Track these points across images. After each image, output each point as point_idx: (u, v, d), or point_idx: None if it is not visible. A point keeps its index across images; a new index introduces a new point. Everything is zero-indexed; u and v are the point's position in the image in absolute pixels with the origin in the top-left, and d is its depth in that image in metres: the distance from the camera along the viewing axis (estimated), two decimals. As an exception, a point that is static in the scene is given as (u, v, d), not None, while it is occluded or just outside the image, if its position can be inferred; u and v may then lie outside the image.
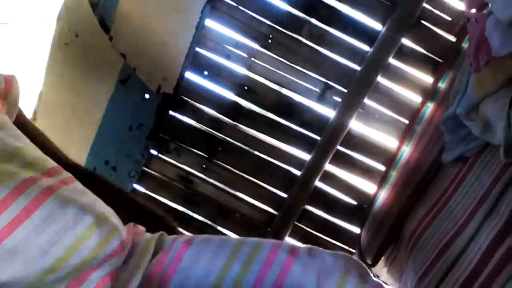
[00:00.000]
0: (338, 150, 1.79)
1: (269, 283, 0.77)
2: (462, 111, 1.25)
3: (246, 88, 1.78)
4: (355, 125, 1.79)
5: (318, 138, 1.79)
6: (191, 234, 0.97)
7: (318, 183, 1.83)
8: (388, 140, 1.80)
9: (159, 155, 1.85)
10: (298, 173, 1.83)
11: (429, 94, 1.71)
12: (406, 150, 1.71)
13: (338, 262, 0.80)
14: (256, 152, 1.85)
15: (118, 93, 1.76)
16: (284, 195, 1.86)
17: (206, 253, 0.80)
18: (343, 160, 1.82)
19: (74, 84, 1.82)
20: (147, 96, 1.77)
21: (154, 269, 0.78)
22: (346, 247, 1.87)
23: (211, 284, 0.77)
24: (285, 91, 1.79)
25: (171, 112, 1.80)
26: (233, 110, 1.81)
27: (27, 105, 1.85)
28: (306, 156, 1.82)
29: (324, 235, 1.85)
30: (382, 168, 1.81)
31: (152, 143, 1.82)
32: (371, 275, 0.85)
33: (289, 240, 1.87)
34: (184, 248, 0.80)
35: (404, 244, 1.53)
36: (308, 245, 0.85)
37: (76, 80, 1.81)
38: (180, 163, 1.86)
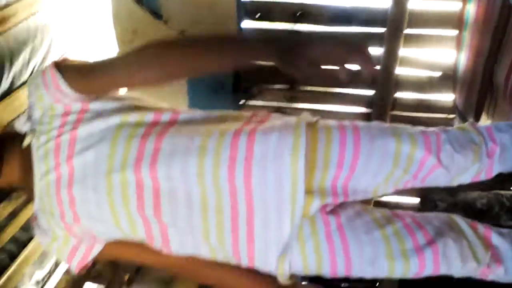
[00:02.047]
0: (406, 34, 1.82)
1: None
2: None
3: (299, 13, 1.85)
4: (414, 4, 1.79)
5: (383, 30, 1.83)
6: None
7: (399, 70, 1.90)
8: (450, 5, 1.79)
9: (247, 102, 2.03)
10: (377, 67, 1.91)
11: None
12: (471, 8, 1.71)
13: None
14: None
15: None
16: (372, 92, 1.95)
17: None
18: (414, 40, 1.85)
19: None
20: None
21: None
22: (445, 116, 1.94)
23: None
24: (335, 2, 1.84)
25: (242, 63, 1.95)
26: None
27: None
28: (378, 50, 1.88)
29: (421, 112, 1.94)
30: (453, 32, 1.82)
31: (238, 96, 2.00)
32: None
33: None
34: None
35: (500, 91, 1.59)
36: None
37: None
38: (268, 102, 2.02)
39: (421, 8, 1.80)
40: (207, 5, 1.86)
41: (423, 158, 0.93)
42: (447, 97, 1.93)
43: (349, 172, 0.93)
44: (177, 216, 0.92)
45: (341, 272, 0.95)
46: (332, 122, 0.97)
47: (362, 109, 2.01)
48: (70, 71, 0.93)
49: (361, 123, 0.97)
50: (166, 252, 0.96)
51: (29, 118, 0.96)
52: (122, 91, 1.02)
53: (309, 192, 0.91)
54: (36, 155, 0.94)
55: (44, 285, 1.90)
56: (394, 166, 0.93)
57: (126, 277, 1.98)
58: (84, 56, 1.84)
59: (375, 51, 1.88)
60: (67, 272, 1.89)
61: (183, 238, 0.94)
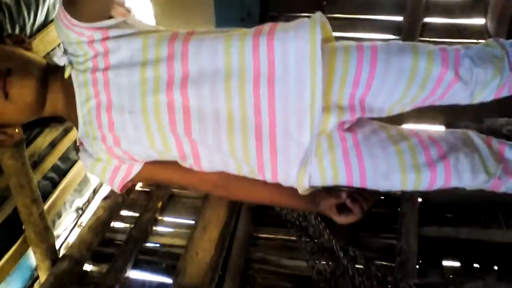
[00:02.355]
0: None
1: None
2: None
3: None
4: None
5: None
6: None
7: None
8: None
9: None
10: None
11: None
12: None
13: None
14: (361, -10, 1.92)
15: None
16: (400, 18, 1.93)
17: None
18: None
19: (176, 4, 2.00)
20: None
21: None
22: (476, 41, 1.93)
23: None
24: None
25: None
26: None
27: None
28: (409, -26, 1.84)
29: (451, 38, 1.93)
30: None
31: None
32: None
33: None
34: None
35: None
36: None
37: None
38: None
39: None
40: None
41: (440, 73, 0.94)
42: (478, 22, 1.91)
43: (365, 89, 0.95)
44: (206, 134, 0.97)
45: (356, 185, 1.01)
46: (351, 42, 0.99)
47: (391, 36, 1.99)
48: (67, 5, 0.96)
49: (379, 42, 0.97)
50: (198, 169, 1.03)
51: (65, 51, 1.00)
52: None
53: (326, 108, 0.95)
54: (77, 84, 0.99)
55: (83, 212, 1.98)
56: (410, 82, 0.94)
57: (159, 205, 2.05)
58: None
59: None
60: (105, 200, 1.96)
61: (212, 155, 1.01)
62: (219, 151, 0.99)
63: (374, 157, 0.98)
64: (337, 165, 0.99)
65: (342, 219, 1.01)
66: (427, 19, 1.94)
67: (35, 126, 1.12)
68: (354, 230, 1.81)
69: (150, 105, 0.95)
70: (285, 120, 0.95)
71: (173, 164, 1.05)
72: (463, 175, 0.99)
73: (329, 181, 1.01)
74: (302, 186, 1.00)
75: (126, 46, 0.96)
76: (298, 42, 0.90)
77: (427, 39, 1.97)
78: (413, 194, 1.92)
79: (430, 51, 0.95)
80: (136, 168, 1.06)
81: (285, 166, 1.00)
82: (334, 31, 1.80)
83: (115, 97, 0.97)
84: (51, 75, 1.01)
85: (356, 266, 1.57)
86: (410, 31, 1.92)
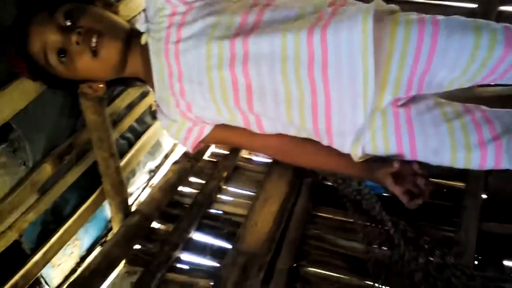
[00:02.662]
0: None
1: None
2: None
3: None
4: None
5: None
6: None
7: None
8: None
9: None
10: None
11: None
12: None
13: None
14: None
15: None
16: (474, 5, 1.86)
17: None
18: None
19: None
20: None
21: None
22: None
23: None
24: None
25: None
26: None
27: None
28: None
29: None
30: None
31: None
32: None
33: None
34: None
35: None
36: None
37: None
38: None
39: None
40: None
41: (503, 53, 0.90)
42: None
43: (425, 65, 0.94)
44: (266, 108, 1.05)
45: (407, 158, 1.04)
46: (413, 16, 0.98)
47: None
48: None
49: (441, 17, 0.96)
50: (261, 132, 1.12)
51: (146, 18, 1.09)
52: None
53: (383, 85, 0.97)
54: (151, 52, 1.07)
55: (155, 174, 2.13)
56: (471, 61, 0.92)
57: (225, 174, 2.16)
58: None
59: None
60: (175, 164, 2.10)
61: (274, 124, 1.09)
62: (279, 121, 1.08)
63: (426, 134, 1.00)
64: (389, 141, 1.03)
65: (397, 189, 1.02)
66: (502, 7, 1.84)
67: (119, 84, 1.24)
68: (413, 219, 1.79)
69: (215, 79, 1.03)
70: (339, 102, 0.99)
71: (242, 129, 1.15)
72: None
73: (381, 153, 1.06)
74: (356, 155, 1.06)
75: (201, 21, 1.04)
76: (350, 36, 0.93)
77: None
78: (477, 189, 1.86)
79: (493, 30, 0.93)
80: (207, 130, 1.16)
81: (339, 139, 1.06)
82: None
83: (185, 69, 1.05)
84: (134, 39, 1.11)
85: (409, 251, 1.57)
86: (485, 19, 1.84)
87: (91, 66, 1.05)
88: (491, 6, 1.83)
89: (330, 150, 1.11)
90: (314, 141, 1.13)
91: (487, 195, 1.90)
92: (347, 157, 1.09)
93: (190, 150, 1.19)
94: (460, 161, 1.00)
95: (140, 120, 1.86)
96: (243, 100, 1.04)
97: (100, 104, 1.46)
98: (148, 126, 1.90)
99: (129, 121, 1.78)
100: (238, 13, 1.04)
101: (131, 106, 1.77)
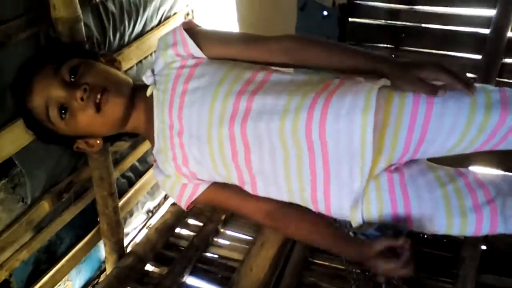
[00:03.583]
0: (523, -6, 1.75)
1: None
2: None
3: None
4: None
5: (499, -11, 1.77)
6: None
7: (511, 34, 1.83)
8: None
9: None
10: (487, 31, 1.85)
11: None
12: None
13: None
14: (438, 26, 1.93)
15: (301, 20, 2.02)
16: (479, 57, 1.91)
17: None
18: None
19: (262, 25, 2.12)
20: (325, 13, 1.99)
21: None
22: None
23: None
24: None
25: (350, 19, 1.99)
26: (405, -5, 1.91)
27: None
28: (491, 12, 1.83)
29: (530, 81, 1.87)
30: None
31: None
32: None
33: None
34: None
35: None
36: None
37: (263, 21, 2.11)
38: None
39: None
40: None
41: (500, 118, 0.91)
42: None
43: (420, 135, 0.95)
44: (263, 166, 1.04)
45: (401, 224, 1.01)
46: None
47: (468, 74, 1.97)
48: (201, 37, 1.09)
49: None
50: (253, 193, 1.11)
51: (153, 71, 1.12)
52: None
53: (379, 151, 0.98)
54: (156, 103, 1.09)
55: (153, 214, 2.10)
56: (467, 127, 0.93)
57: (223, 217, 2.13)
58: (200, 22, 1.98)
59: (487, 12, 1.83)
60: (174, 205, 2.07)
61: (268, 187, 1.08)
62: (276, 183, 1.07)
63: (421, 200, 0.99)
64: (384, 206, 1.01)
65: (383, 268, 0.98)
66: (507, 60, 1.89)
67: (116, 139, 1.25)
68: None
69: (214, 135, 1.03)
70: (337, 162, 0.99)
71: (234, 191, 1.15)
72: (510, 221, 0.96)
73: (375, 218, 1.03)
74: (356, 221, 1.04)
75: (209, 76, 1.05)
76: (349, 123, 0.95)
77: (505, 80, 1.92)
78: (476, 240, 1.85)
79: (488, 93, 0.94)
80: (202, 188, 1.16)
81: (338, 204, 1.05)
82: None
83: (186, 123, 1.06)
84: (136, 93, 1.13)
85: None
86: (488, 71, 1.89)
87: (93, 122, 1.06)
88: (496, 58, 1.87)
89: (322, 224, 1.11)
90: (306, 212, 1.12)
91: (486, 246, 1.88)
92: (338, 233, 1.09)
93: (184, 208, 1.18)
94: (456, 227, 0.99)
95: (142, 160, 1.85)
96: (241, 156, 1.04)
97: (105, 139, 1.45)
98: (149, 166, 1.89)
99: (132, 160, 1.78)
100: (247, 71, 1.06)
101: (134, 146, 1.76)
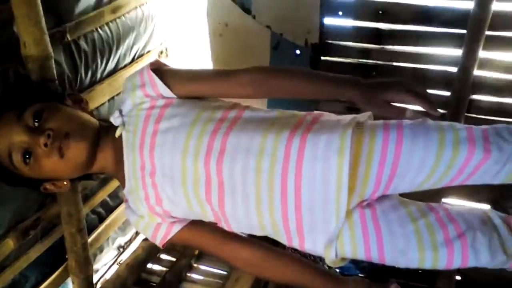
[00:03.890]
0: (488, 36, 1.81)
1: None
2: None
3: (380, 12, 1.90)
4: (498, 6, 1.77)
5: (464, 31, 1.83)
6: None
7: (477, 72, 1.88)
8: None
9: (326, 58, 2.04)
10: (454, 69, 1.91)
11: None
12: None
13: None
14: (408, 65, 1.97)
15: (274, 58, 2.05)
16: (447, 93, 1.96)
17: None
18: (496, 43, 1.83)
19: (236, 63, 2.16)
20: (298, 52, 2.02)
21: None
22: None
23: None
24: (417, 0, 1.87)
25: (323, 58, 2.03)
26: (375, 36, 1.96)
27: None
28: (457, 52, 1.88)
29: (498, 117, 1.92)
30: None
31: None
32: None
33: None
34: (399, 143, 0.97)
35: None
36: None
37: (237, 59, 2.15)
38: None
39: (505, 10, 1.78)
40: (292, 2, 1.96)
41: (467, 154, 0.94)
42: (527, 103, 1.90)
43: (391, 170, 0.98)
44: (236, 211, 1.05)
45: (375, 261, 1.03)
46: (378, 122, 1.03)
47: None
48: (169, 76, 1.09)
49: (406, 122, 1.00)
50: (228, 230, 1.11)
51: (120, 112, 1.10)
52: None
53: (351, 189, 0.99)
54: (125, 145, 1.08)
55: (124, 250, 2.07)
56: (436, 163, 0.95)
57: (196, 252, 2.11)
58: (174, 60, 2.01)
59: (454, 52, 1.89)
60: (145, 240, 2.05)
61: (241, 228, 1.10)
62: (250, 228, 1.09)
63: (393, 234, 1.01)
64: (356, 241, 1.02)
65: None
66: (474, 96, 1.94)
67: (84, 179, 1.24)
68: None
69: (189, 170, 1.03)
70: (311, 204, 1.00)
71: (211, 233, 1.14)
72: (481, 255, 0.98)
73: (348, 255, 1.05)
74: (330, 259, 1.05)
75: (180, 117, 1.05)
76: (327, 145, 0.97)
77: (474, 115, 1.96)
78: (450, 271, 1.86)
79: (456, 131, 0.96)
80: (176, 228, 1.14)
81: (312, 243, 1.06)
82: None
83: (158, 164, 1.05)
84: (103, 134, 1.12)
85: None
86: (457, 107, 1.94)
87: (57, 167, 1.05)
88: (463, 95, 1.92)
89: (301, 264, 1.11)
90: (285, 255, 1.13)
91: (460, 276, 1.90)
92: (318, 271, 1.10)
93: (160, 246, 1.18)
94: (428, 261, 1.00)
95: (113, 195, 1.84)
96: (215, 196, 1.04)
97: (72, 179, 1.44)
98: (121, 201, 1.87)
99: (102, 195, 1.76)
100: (218, 111, 1.07)
101: (104, 181, 1.75)
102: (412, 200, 1.09)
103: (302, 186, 0.98)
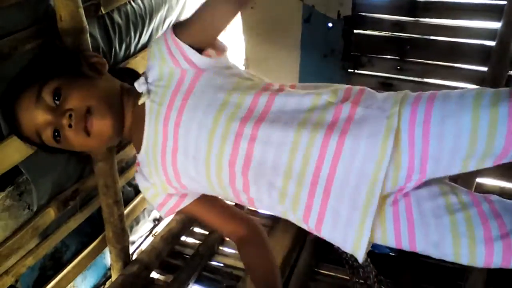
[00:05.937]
0: (529, 6, 1.73)
1: None
2: None
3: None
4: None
5: (504, 2, 1.76)
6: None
7: (517, 45, 1.82)
8: None
9: (355, 71, 2.09)
10: (492, 43, 1.85)
11: None
12: None
13: None
14: (444, 39, 1.92)
15: (306, 31, 2.04)
16: (484, 69, 1.90)
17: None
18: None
19: (268, 35, 2.15)
20: (330, 24, 2.00)
21: None
22: None
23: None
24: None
25: (355, 31, 2.00)
26: (410, 8, 1.91)
27: (239, 58, 2.28)
28: (496, 25, 1.82)
29: (538, 92, 1.85)
30: None
31: (347, 63, 2.05)
32: None
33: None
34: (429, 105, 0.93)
35: None
36: None
37: (268, 32, 2.14)
38: (376, 72, 2.06)
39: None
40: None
41: (508, 132, 0.85)
42: None
43: (422, 153, 0.91)
44: (261, 196, 1.03)
45: (406, 249, 0.98)
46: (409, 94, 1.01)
47: (473, 86, 1.96)
48: (181, 30, 1.02)
49: (439, 94, 0.95)
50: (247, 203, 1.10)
51: (146, 79, 1.06)
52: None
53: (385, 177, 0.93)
54: (149, 115, 1.04)
55: (159, 223, 2.12)
56: (471, 144, 0.88)
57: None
58: None
59: (493, 24, 1.82)
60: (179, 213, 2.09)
61: (262, 197, 1.04)
62: (270, 196, 1.04)
63: (426, 225, 0.94)
64: (387, 228, 0.97)
65: None
66: (512, 72, 1.87)
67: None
68: (417, 282, 1.75)
69: (213, 160, 1.00)
70: (342, 185, 0.95)
71: (218, 211, 1.17)
72: None
73: (378, 241, 1.01)
74: (360, 257, 0.99)
75: (210, 95, 1.00)
76: (366, 152, 0.92)
77: (512, 91, 1.89)
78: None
79: (494, 103, 0.87)
80: (187, 201, 1.14)
81: (332, 226, 1.00)
82: (414, 76, 1.80)
83: (182, 142, 1.02)
84: (124, 97, 1.09)
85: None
86: (494, 83, 1.88)
87: (88, 143, 1.05)
88: (501, 69, 1.86)
89: (270, 265, 1.14)
90: (269, 249, 1.17)
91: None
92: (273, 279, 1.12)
93: (163, 216, 1.18)
94: (464, 257, 0.93)
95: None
96: (239, 183, 1.02)
97: (109, 151, 1.48)
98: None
99: (137, 168, 1.80)
100: (249, 94, 1.01)
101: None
102: (457, 185, 1.02)
103: (339, 162, 0.94)
